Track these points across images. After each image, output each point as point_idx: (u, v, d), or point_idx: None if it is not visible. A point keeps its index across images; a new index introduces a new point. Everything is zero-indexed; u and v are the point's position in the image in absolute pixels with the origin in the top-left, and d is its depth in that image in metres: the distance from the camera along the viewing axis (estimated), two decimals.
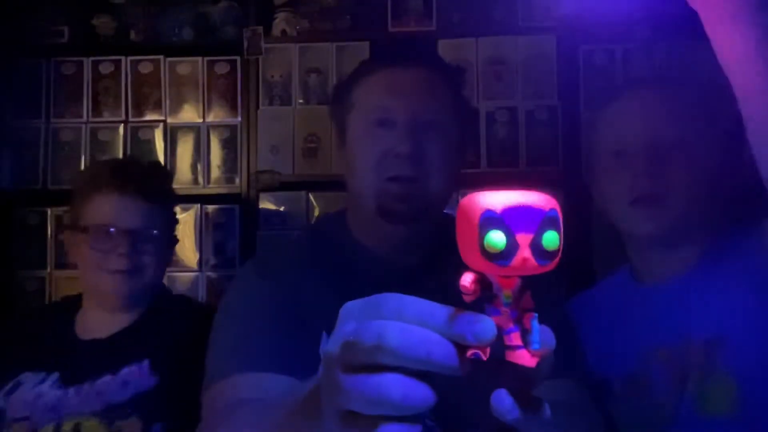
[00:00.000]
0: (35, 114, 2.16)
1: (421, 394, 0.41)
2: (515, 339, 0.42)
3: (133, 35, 2.21)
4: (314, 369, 0.93)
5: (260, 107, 2.13)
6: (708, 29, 0.67)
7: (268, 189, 2.10)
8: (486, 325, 0.41)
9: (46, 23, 2.19)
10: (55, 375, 1.29)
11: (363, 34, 2.13)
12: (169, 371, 1.29)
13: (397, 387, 0.41)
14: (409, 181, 1.01)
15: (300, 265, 1.04)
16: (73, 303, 1.43)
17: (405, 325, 0.41)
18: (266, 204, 2.10)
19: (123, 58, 2.18)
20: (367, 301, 0.45)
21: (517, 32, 2.07)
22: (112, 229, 1.32)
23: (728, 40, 0.67)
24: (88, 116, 2.17)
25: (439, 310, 0.42)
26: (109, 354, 1.31)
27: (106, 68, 2.18)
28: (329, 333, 0.95)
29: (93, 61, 2.18)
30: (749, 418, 1.01)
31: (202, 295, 2.09)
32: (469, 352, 0.41)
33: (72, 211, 1.41)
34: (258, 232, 2.08)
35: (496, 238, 0.40)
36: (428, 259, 1.05)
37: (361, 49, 2.08)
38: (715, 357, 1.04)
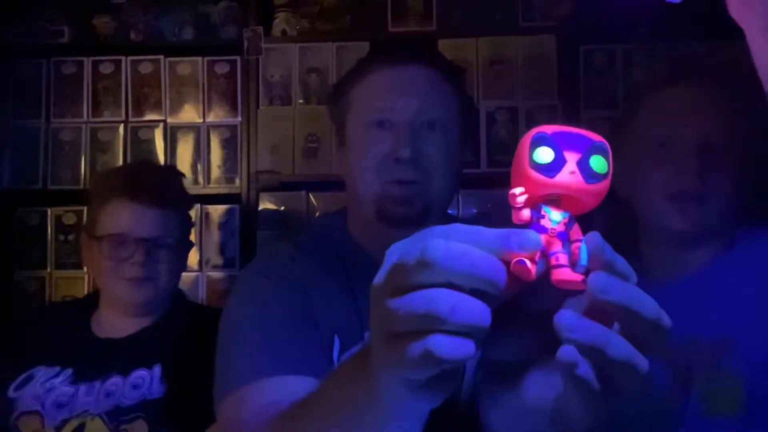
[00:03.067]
0: (35, 114, 2.16)
1: (473, 308, 0.40)
2: (561, 259, 0.42)
3: (133, 35, 2.21)
4: (328, 370, 0.92)
5: (260, 107, 2.13)
6: (750, 40, 0.67)
7: (268, 189, 2.10)
8: (531, 235, 0.41)
9: (46, 23, 2.19)
10: (69, 371, 1.30)
11: (363, 34, 2.13)
12: (179, 380, 1.28)
13: (445, 299, 0.40)
14: (410, 184, 0.98)
15: (302, 267, 1.02)
16: (92, 301, 1.43)
17: (449, 241, 0.41)
18: (266, 204, 2.10)
19: (123, 58, 2.18)
20: (412, 237, 0.44)
21: (517, 32, 2.07)
22: (126, 238, 1.31)
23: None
24: (88, 116, 2.17)
25: (484, 230, 0.42)
26: (122, 355, 1.31)
27: (106, 68, 2.18)
28: (340, 336, 0.94)
29: (93, 61, 2.18)
30: (755, 420, 1.01)
31: (202, 295, 2.09)
32: (514, 260, 0.41)
33: (88, 217, 1.40)
34: (258, 232, 2.08)
35: (544, 151, 0.44)
36: None
37: (361, 49, 2.07)
38: (723, 357, 1.03)
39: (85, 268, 2.09)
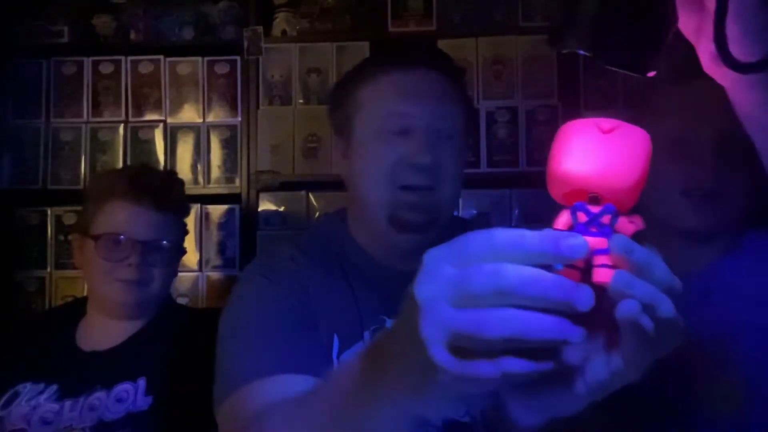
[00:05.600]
0: (35, 114, 2.16)
1: (547, 325, 0.41)
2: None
3: (133, 35, 2.21)
4: (328, 370, 0.92)
5: (260, 107, 2.13)
6: (729, 94, 0.69)
7: (268, 189, 2.10)
8: (578, 238, 0.42)
9: (46, 23, 2.19)
10: (54, 387, 1.28)
11: (363, 34, 2.13)
12: (165, 391, 1.26)
13: (521, 319, 0.41)
14: (423, 189, 0.98)
15: (303, 268, 1.02)
16: (77, 309, 1.41)
17: (519, 267, 0.42)
18: (266, 204, 2.10)
19: (123, 58, 2.18)
20: (453, 245, 0.45)
21: (517, 32, 2.07)
22: (123, 239, 1.30)
23: (750, 105, 0.69)
24: (88, 116, 2.16)
25: (529, 235, 0.43)
26: (106, 368, 1.29)
27: (106, 68, 2.18)
28: (339, 336, 0.96)
29: (93, 61, 2.18)
30: (757, 419, 1.02)
31: (202, 295, 2.09)
32: (596, 270, 0.43)
33: (83, 216, 1.39)
34: (258, 232, 2.08)
35: None
36: None
37: (361, 49, 2.08)
38: (726, 356, 1.03)
39: None
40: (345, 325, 0.97)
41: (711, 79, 1.12)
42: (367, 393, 0.53)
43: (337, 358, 0.96)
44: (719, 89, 1.10)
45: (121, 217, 1.32)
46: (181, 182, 1.49)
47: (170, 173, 1.64)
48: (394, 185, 0.98)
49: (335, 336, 0.96)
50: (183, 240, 1.44)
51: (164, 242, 1.35)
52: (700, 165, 1.06)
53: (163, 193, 1.36)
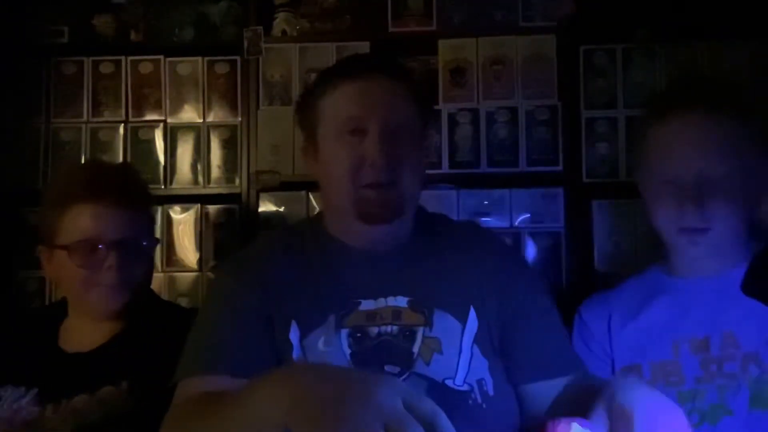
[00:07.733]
0: (35, 114, 2.16)
1: None
2: None
3: (133, 35, 2.21)
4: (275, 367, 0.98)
5: (260, 107, 2.13)
6: None
7: (268, 189, 2.10)
8: None
9: (46, 23, 2.19)
10: (35, 390, 1.25)
11: (363, 34, 2.13)
12: (148, 393, 1.22)
13: None
14: (384, 186, 1.07)
15: (269, 264, 1.11)
16: (59, 310, 1.37)
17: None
18: (266, 204, 2.10)
19: (123, 58, 2.18)
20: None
21: (517, 32, 2.07)
22: (96, 243, 1.25)
23: None
24: (88, 116, 2.17)
25: None
26: (89, 371, 1.26)
27: (106, 68, 2.18)
28: (298, 322, 1.05)
29: (93, 61, 2.18)
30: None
31: (202, 295, 2.09)
32: None
33: (44, 227, 1.31)
34: (258, 232, 2.08)
35: None
36: (401, 247, 1.13)
37: (361, 50, 2.08)
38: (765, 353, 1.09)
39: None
40: (306, 312, 1.06)
41: (687, 118, 1.17)
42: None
43: (300, 342, 1.05)
44: (698, 127, 1.16)
45: (88, 221, 1.25)
46: (137, 172, 1.43)
47: (123, 166, 1.61)
48: (357, 184, 1.07)
49: (293, 322, 1.05)
50: (153, 231, 1.40)
51: (137, 237, 1.30)
52: (686, 207, 1.13)
53: (123, 188, 1.30)
